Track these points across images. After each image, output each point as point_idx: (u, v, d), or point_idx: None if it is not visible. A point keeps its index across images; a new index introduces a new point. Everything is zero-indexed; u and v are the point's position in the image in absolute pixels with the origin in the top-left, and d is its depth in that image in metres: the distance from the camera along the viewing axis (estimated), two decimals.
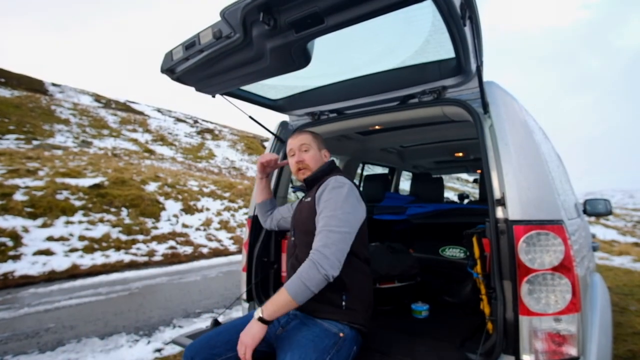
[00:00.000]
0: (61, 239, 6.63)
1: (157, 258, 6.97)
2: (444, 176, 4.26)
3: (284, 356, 1.20)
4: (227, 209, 10.63)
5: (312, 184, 1.52)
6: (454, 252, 2.42)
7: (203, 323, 3.62)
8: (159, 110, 34.33)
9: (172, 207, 9.44)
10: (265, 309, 1.18)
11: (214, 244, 8.32)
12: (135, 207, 8.58)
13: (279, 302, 1.18)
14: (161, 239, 7.81)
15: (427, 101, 1.66)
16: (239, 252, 8.03)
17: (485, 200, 1.39)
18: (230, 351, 1.31)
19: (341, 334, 1.28)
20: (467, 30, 1.16)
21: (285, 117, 2.23)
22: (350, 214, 1.30)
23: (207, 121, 34.42)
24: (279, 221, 1.81)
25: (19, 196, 7.29)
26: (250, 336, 1.17)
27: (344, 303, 1.32)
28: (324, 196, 1.35)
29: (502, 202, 1.30)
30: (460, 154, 3.80)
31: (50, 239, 6.51)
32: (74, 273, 5.76)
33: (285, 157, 2.14)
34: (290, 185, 1.78)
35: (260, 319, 1.18)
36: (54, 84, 33.05)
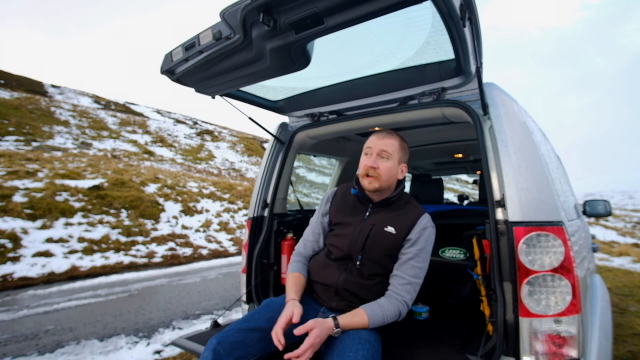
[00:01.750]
0: (60, 240, 6.61)
1: (156, 259, 6.96)
2: (443, 177, 4.26)
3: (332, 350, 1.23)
4: (227, 210, 10.62)
5: (380, 203, 1.45)
6: (453, 254, 2.41)
7: (202, 325, 3.61)
8: (158, 112, 34.35)
9: (172, 208, 9.43)
10: (342, 323, 1.25)
11: (213, 246, 8.31)
12: (135, 209, 8.57)
13: (357, 323, 1.27)
14: (161, 240, 7.80)
15: (427, 102, 1.65)
16: (239, 253, 8.02)
17: (485, 202, 1.39)
18: (263, 350, 1.26)
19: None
20: (467, 31, 1.16)
21: (284, 119, 2.23)
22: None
23: (206, 122, 34.44)
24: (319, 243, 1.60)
25: (18, 198, 7.28)
26: (321, 338, 1.19)
27: None
28: (421, 242, 1.39)
29: (501, 204, 1.30)
30: (460, 155, 3.80)
31: (49, 240, 6.50)
32: (73, 275, 5.74)
33: (284, 159, 2.12)
34: (353, 188, 1.51)
35: (336, 326, 1.24)
36: (53, 86, 33.08)
